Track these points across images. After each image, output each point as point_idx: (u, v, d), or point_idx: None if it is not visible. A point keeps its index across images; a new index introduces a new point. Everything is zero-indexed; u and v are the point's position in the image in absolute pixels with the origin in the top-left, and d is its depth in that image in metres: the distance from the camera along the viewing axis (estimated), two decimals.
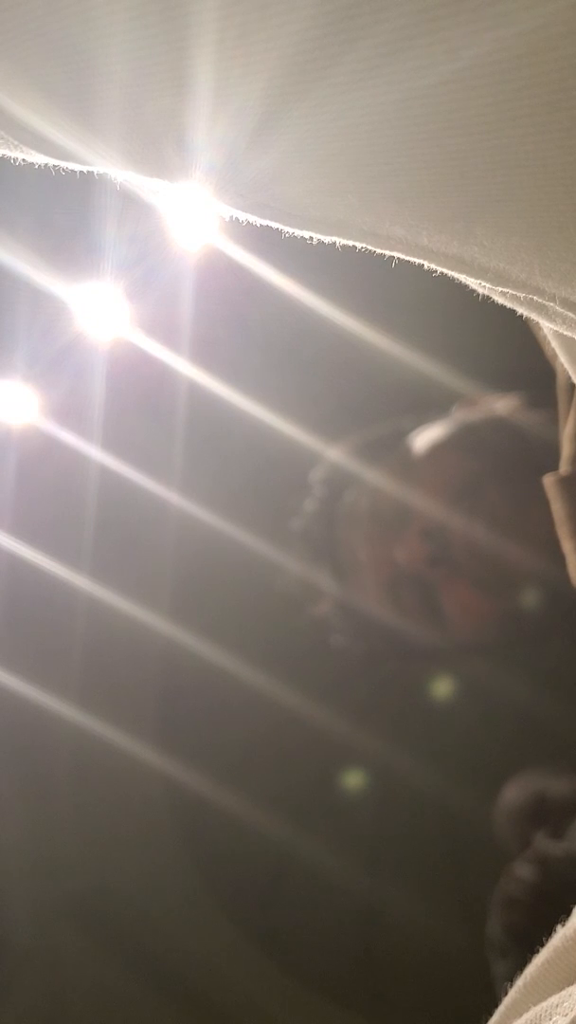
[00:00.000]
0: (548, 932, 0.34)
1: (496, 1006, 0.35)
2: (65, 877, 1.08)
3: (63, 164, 0.30)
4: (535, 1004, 0.32)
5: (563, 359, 0.35)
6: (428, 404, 1.00)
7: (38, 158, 0.29)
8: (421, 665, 1.05)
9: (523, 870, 0.78)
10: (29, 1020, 1.06)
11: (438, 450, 0.92)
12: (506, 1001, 0.34)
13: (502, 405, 0.95)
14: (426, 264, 0.29)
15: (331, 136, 0.25)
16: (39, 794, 1.09)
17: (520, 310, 0.31)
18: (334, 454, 1.01)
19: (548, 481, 0.62)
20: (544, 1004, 0.32)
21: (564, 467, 0.63)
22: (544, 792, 0.86)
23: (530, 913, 0.75)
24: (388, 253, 0.29)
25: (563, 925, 0.35)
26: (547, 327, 0.32)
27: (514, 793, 0.88)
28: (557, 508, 0.61)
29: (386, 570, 0.94)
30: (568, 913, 0.34)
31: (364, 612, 0.98)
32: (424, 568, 0.91)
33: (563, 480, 0.61)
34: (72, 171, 0.31)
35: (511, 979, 0.34)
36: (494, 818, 0.88)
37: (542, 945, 0.34)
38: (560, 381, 0.68)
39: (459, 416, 0.96)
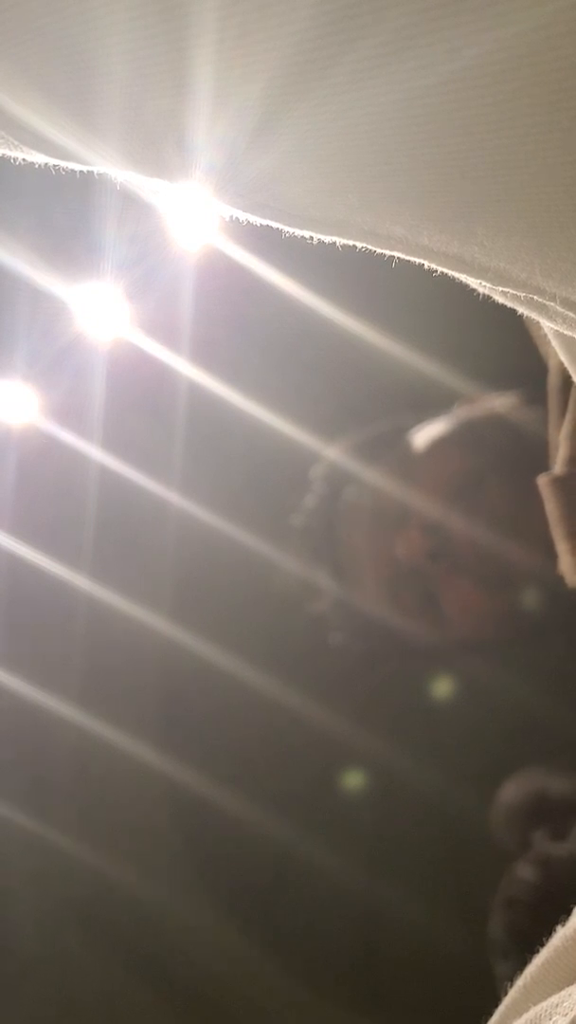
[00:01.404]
0: (550, 933, 0.34)
1: (496, 1006, 0.35)
2: (68, 881, 1.08)
3: (63, 164, 0.30)
4: (535, 1004, 0.32)
5: (564, 359, 0.35)
6: (428, 404, 0.99)
7: (38, 158, 0.29)
8: (421, 663, 1.05)
9: (525, 871, 0.78)
10: (32, 1021, 1.06)
11: (438, 447, 0.92)
12: (506, 1001, 0.34)
13: (502, 403, 0.95)
14: (426, 264, 0.29)
15: (331, 136, 0.25)
16: (41, 797, 1.09)
17: (520, 310, 0.31)
18: (334, 451, 1.01)
19: (542, 481, 0.62)
20: (544, 1004, 0.32)
21: (559, 467, 0.63)
22: (543, 791, 0.86)
23: (532, 914, 0.75)
24: (388, 253, 0.29)
25: (563, 925, 0.35)
26: (547, 327, 0.32)
27: (512, 792, 0.88)
28: (551, 508, 0.61)
29: (386, 567, 0.94)
30: (569, 914, 0.34)
31: (363, 610, 0.98)
32: (424, 563, 0.91)
33: (558, 480, 0.61)
34: (72, 171, 0.31)
35: (513, 980, 0.34)
36: (492, 817, 0.88)
37: (544, 946, 0.34)
38: (551, 381, 0.68)
39: (459, 413, 0.96)
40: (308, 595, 1.03)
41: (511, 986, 0.34)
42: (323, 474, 1.01)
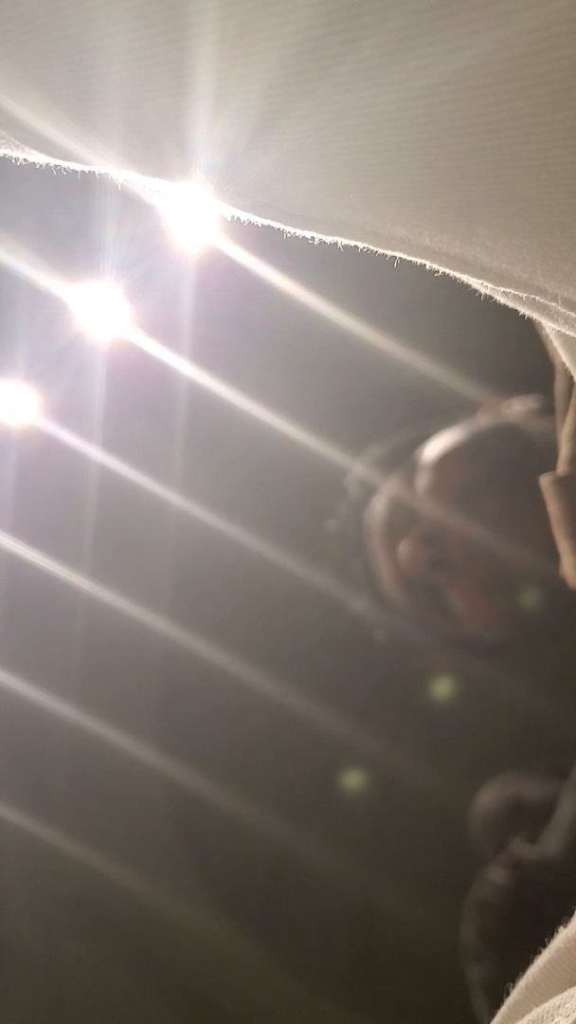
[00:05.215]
0: (522, 936, 0.34)
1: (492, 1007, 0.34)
2: (65, 879, 1.08)
3: (63, 164, 0.30)
4: (537, 1005, 0.32)
5: (566, 359, 0.35)
6: (431, 405, 1.00)
7: (38, 158, 0.29)
8: (426, 664, 1.06)
9: (497, 874, 0.78)
10: (30, 1021, 1.06)
11: (443, 456, 0.95)
12: (508, 1002, 0.34)
13: (519, 408, 0.96)
14: (428, 264, 0.29)
15: (332, 136, 0.25)
16: (40, 797, 1.09)
17: (522, 310, 0.31)
18: (367, 456, 1.04)
19: (545, 481, 0.62)
20: (546, 1005, 0.31)
21: (562, 467, 0.63)
22: (520, 796, 0.86)
23: (504, 917, 0.76)
24: (390, 253, 0.29)
25: (564, 926, 0.34)
26: (549, 327, 0.32)
27: (490, 797, 0.89)
28: (554, 508, 0.61)
29: (398, 572, 0.96)
30: (541, 917, 0.34)
31: (395, 609, 1.00)
32: (425, 571, 0.93)
33: (560, 480, 0.61)
34: (72, 171, 0.30)
35: (485, 983, 0.34)
36: (469, 822, 0.89)
37: (516, 949, 0.34)
38: (557, 383, 0.68)
39: (473, 421, 0.98)
40: (346, 594, 1.05)
41: (483, 990, 0.34)
42: (357, 479, 1.04)
